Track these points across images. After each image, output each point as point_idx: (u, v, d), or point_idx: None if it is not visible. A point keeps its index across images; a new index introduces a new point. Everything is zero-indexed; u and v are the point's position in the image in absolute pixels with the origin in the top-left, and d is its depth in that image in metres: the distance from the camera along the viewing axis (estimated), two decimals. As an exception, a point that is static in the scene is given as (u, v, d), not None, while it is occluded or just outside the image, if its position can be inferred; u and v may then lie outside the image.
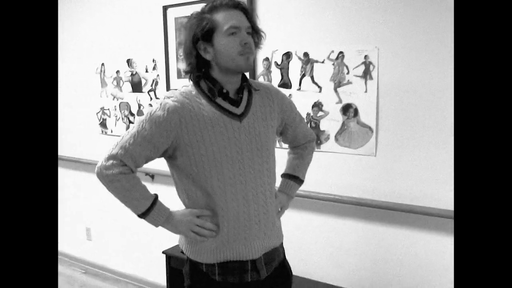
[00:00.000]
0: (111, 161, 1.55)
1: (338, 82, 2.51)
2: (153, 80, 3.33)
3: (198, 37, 1.54)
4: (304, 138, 1.92)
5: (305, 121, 2.37)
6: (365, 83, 2.44)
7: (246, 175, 1.58)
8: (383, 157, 2.43)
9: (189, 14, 1.61)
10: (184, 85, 1.66)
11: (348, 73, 2.48)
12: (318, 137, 2.58)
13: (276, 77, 2.73)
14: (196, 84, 1.61)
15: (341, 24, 2.48)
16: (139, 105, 3.44)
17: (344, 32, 2.48)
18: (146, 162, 1.61)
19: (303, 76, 2.62)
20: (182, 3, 3.06)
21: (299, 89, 2.63)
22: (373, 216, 2.51)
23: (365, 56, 2.42)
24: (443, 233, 2.33)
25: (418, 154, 2.35)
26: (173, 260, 2.84)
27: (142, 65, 3.39)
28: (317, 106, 2.59)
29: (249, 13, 1.59)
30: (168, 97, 1.56)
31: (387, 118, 2.42)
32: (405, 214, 2.40)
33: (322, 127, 2.59)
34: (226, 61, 1.54)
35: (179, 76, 3.15)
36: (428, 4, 2.26)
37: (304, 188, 2.27)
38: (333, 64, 2.51)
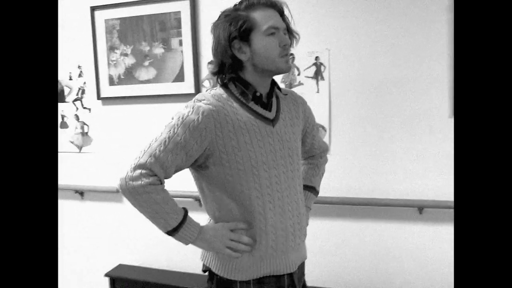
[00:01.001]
0: (139, 171, 1.40)
1: (290, 84, 2.53)
2: (79, 88, 3.11)
3: (234, 36, 1.44)
4: (319, 148, 1.88)
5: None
6: (317, 83, 2.49)
7: (281, 183, 1.51)
8: (338, 155, 2.51)
9: (220, 12, 1.52)
10: (209, 89, 1.56)
11: (299, 74, 2.52)
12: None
13: (222, 80, 2.69)
14: (225, 86, 1.51)
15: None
16: (62, 116, 3.19)
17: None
18: (176, 172, 1.47)
19: (253, 78, 2.60)
20: (112, 4, 2.90)
21: (249, 92, 2.61)
22: (332, 213, 2.57)
23: (316, 58, 2.47)
24: (406, 222, 2.46)
25: (371, 149, 2.47)
26: (118, 283, 2.65)
27: (65, 72, 3.15)
28: (269, 108, 2.59)
29: (284, 13, 1.52)
30: (199, 100, 1.45)
31: (340, 117, 2.49)
32: (363, 207, 2.52)
33: (273, 130, 2.59)
34: (265, 63, 1.46)
35: (111, 83, 2.97)
36: (376, 6, 2.37)
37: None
38: (284, 65, 2.53)
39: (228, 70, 1.48)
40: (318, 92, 2.49)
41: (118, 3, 2.87)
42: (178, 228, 1.45)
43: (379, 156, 2.51)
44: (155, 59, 2.84)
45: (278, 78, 2.53)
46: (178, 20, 2.74)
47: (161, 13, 2.77)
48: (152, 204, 1.42)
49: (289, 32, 1.53)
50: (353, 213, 2.59)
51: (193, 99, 1.48)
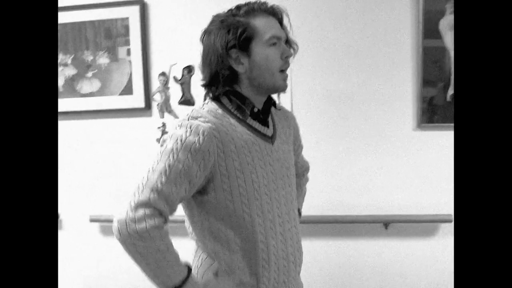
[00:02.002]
0: (142, 211, 1.19)
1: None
2: None
3: (233, 45, 1.30)
4: (302, 167, 1.79)
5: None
6: (278, 97, 2.40)
7: (281, 207, 1.39)
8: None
9: (213, 16, 1.37)
10: (201, 104, 1.39)
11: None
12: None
13: (175, 93, 2.54)
14: (217, 100, 1.36)
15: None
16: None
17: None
18: (179, 203, 1.29)
19: (210, 90, 2.48)
20: None
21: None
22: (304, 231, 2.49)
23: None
24: (372, 237, 2.44)
25: (335, 164, 2.46)
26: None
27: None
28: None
29: (283, 22, 1.40)
30: (195, 117, 1.28)
31: (303, 132, 2.41)
32: (329, 225, 2.49)
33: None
34: (263, 76, 1.33)
35: None
36: (340, 20, 2.35)
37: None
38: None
39: (223, 82, 1.33)
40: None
41: (58, 7, 2.64)
42: (184, 282, 1.27)
43: (343, 172, 2.47)
44: (100, 69, 2.62)
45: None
46: (126, 27, 2.56)
47: (107, 19, 2.57)
48: (155, 252, 1.20)
49: (288, 43, 1.41)
50: (319, 231, 2.52)
51: (187, 116, 1.31)
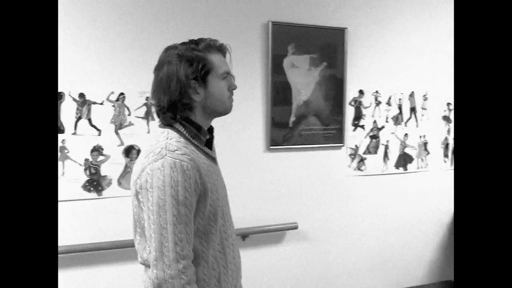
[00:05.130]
0: (176, 266, 1.41)
1: (120, 124, 2.66)
2: None
3: (194, 76, 1.51)
4: None
5: (84, 167, 2.60)
6: (147, 124, 2.69)
7: (230, 222, 1.66)
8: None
9: (168, 48, 1.55)
10: (164, 134, 1.53)
11: (129, 114, 2.67)
12: (99, 183, 2.64)
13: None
14: (170, 126, 1.55)
15: (121, 64, 2.65)
16: None
17: (125, 73, 2.66)
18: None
19: (79, 118, 2.60)
20: None
21: (74, 133, 2.59)
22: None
23: (147, 98, 2.67)
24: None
25: None
26: None
27: None
28: (97, 150, 2.64)
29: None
30: (171, 151, 1.45)
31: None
32: None
33: (103, 172, 2.65)
34: (216, 105, 1.57)
35: None
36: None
37: (88, 240, 2.52)
38: (114, 105, 2.65)
39: (181, 109, 1.53)
40: (149, 132, 2.68)
41: None
42: None
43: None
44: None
45: (107, 119, 2.63)
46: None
47: None
48: None
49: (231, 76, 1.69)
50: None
51: (164, 150, 1.47)
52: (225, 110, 1.62)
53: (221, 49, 1.61)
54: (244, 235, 2.93)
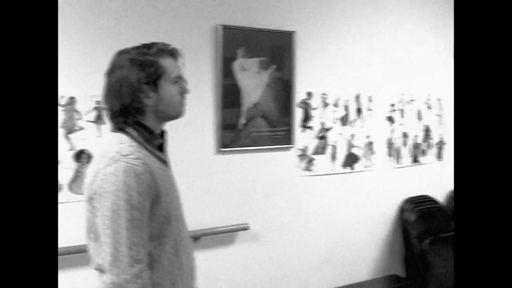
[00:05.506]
0: (137, 267, 1.43)
1: (70, 128, 2.64)
2: None
3: (146, 81, 1.52)
4: None
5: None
6: (99, 128, 2.69)
7: (183, 224, 1.69)
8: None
9: (119, 52, 1.56)
10: (116, 138, 1.54)
11: (80, 118, 2.65)
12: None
13: None
14: (121, 130, 1.55)
15: (71, 68, 2.63)
16: None
17: (75, 77, 2.64)
18: None
19: (26, 123, 2.58)
20: None
21: (22, 139, 2.57)
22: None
23: (98, 102, 2.67)
24: None
25: None
26: None
27: None
28: (46, 155, 2.61)
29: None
30: (124, 156, 1.46)
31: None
32: None
33: (52, 177, 2.63)
34: (168, 109, 1.59)
35: None
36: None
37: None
38: (64, 109, 2.62)
39: (133, 113, 1.54)
40: (100, 136, 2.67)
41: None
42: None
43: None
44: None
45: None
46: None
47: None
48: None
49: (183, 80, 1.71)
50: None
51: (117, 155, 1.48)
52: (177, 114, 1.65)
53: (173, 53, 1.63)
54: (196, 237, 2.97)
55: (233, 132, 3.06)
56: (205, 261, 3.02)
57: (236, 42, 3.01)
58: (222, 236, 3.06)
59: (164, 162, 1.66)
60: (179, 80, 1.64)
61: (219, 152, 3.03)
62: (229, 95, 3.02)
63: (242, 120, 3.07)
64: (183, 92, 1.66)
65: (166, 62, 1.58)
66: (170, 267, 1.59)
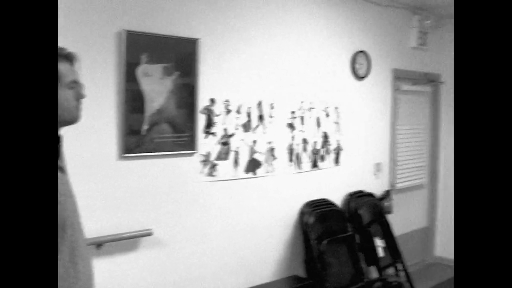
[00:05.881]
0: None
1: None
2: None
3: None
4: None
5: None
6: None
7: (80, 231, 1.65)
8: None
9: None
10: None
11: None
12: None
13: None
14: None
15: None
16: None
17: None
18: None
19: None
20: None
21: None
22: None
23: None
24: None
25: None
26: None
27: None
28: None
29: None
30: None
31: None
32: None
33: None
34: (63, 114, 1.56)
35: None
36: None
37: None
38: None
39: None
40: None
41: None
42: None
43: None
44: None
45: None
46: None
47: None
48: None
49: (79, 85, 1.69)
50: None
51: None
52: (72, 119, 1.64)
53: (69, 57, 1.62)
54: (99, 244, 2.93)
55: (137, 138, 3.06)
56: (108, 268, 2.99)
57: (140, 47, 3.02)
58: (125, 242, 3.04)
59: (60, 168, 1.64)
60: (74, 85, 1.62)
61: (122, 157, 3.01)
62: (133, 100, 3.02)
63: (145, 126, 3.08)
64: (79, 97, 1.65)
65: (61, 67, 1.57)
66: (65, 276, 1.57)
